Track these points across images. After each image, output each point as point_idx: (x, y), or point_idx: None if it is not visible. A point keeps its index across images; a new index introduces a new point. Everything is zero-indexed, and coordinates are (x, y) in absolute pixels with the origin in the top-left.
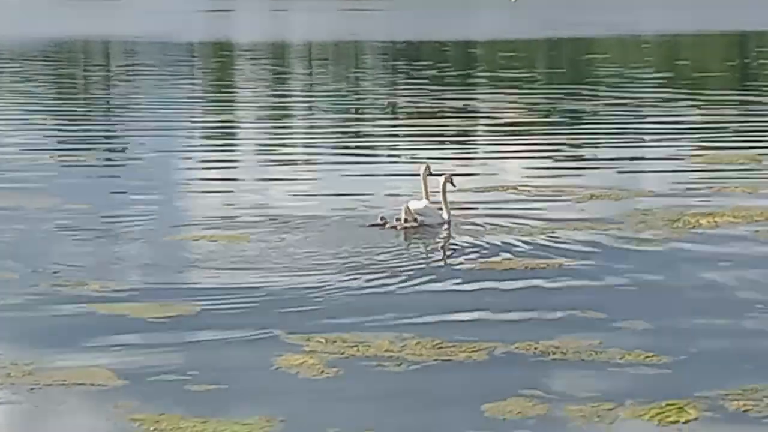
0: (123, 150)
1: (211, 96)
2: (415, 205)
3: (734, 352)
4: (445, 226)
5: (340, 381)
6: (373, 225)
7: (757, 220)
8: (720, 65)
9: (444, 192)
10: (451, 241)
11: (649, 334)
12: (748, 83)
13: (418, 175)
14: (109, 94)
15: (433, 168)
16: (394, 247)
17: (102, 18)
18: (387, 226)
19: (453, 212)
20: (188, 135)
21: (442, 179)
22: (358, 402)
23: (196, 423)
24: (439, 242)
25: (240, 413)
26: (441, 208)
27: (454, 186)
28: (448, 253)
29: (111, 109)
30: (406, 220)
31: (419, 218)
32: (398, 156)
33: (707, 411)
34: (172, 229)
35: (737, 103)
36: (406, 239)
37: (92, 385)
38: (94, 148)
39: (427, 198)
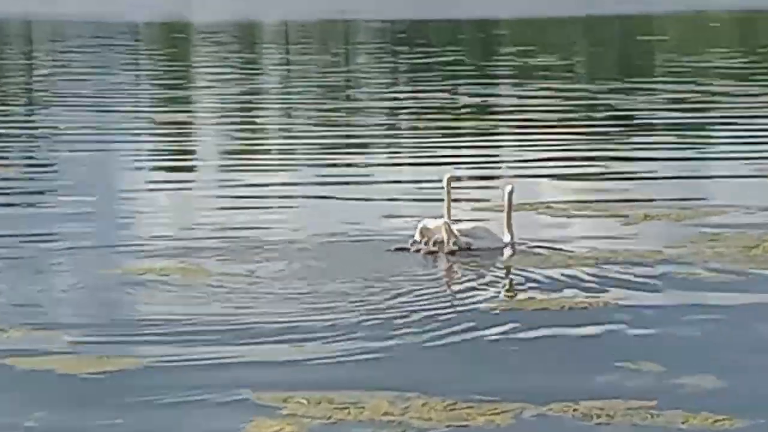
0: (49, 158)
1: (161, 90)
2: (464, 225)
3: None
4: (507, 251)
5: None
6: (400, 249)
7: None
8: None
9: (509, 207)
10: (480, 271)
11: (720, 392)
12: None
13: (440, 186)
14: (30, 88)
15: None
16: (399, 279)
17: None
18: (411, 250)
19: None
20: (133, 139)
21: (507, 190)
22: None
23: None
24: (466, 273)
25: None
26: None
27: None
28: (470, 287)
29: (33, 108)
30: (431, 243)
31: (465, 240)
32: (400, 165)
33: None
34: (113, 260)
35: None
36: (435, 268)
37: None
38: (10, 157)
39: (449, 215)
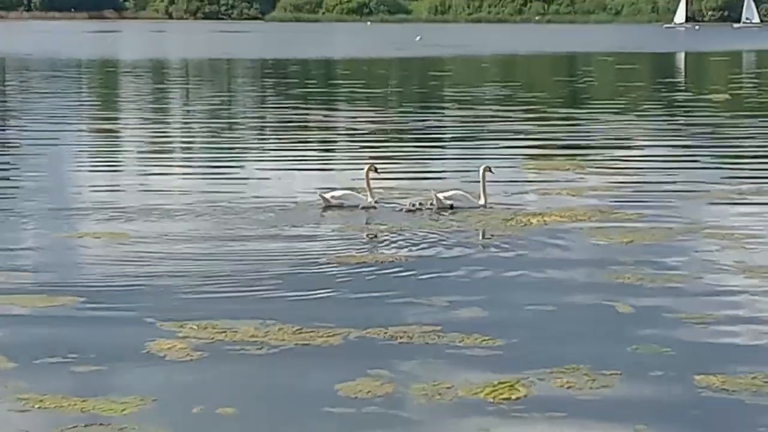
0: (16, 156)
1: (96, 108)
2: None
3: (557, 336)
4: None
5: (205, 363)
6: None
7: (580, 219)
8: (550, 83)
9: (484, 181)
10: (342, 230)
11: (485, 320)
12: (574, 98)
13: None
14: (4, 106)
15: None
16: (270, 236)
17: None
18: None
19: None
20: (76, 141)
21: (481, 169)
22: (221, 383)
23: (76, 401)
24: (331, 231)
25: (116, 393)
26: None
27: (492, 173)
28: (331, 243)
29: (6, 119)
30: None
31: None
32: (265, 160)
33: (535, 388)
34: (61, 229)
35: (564, 116)
36: (308, 228)
37: None
38: None
39: (372, 197)
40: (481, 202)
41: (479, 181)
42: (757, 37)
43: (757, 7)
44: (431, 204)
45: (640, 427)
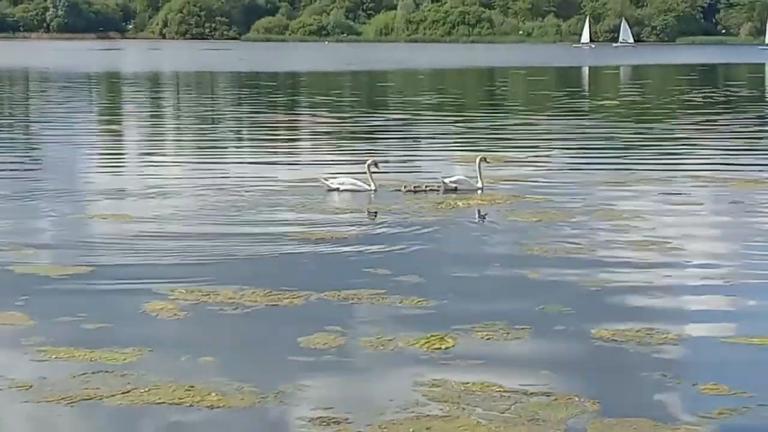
0: (36, 154)
1: (103, 113)
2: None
3: (479, 298)
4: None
5: (191, 321)
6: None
7: (498, 202)
8: (474, 91)
9: (480, 169)
10: (342, 210)
11: (421, 285)
12: (495, 103)
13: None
14: (27, 110)
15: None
16: (248, 216)
17: (19, 53)
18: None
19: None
20: (86, 138)
21: (478, 159)
22: (204, 336)
23: (86, 353)
24: (313, 214)
25: (118, 345)
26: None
27: (488, 162)
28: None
29: (29, 120)
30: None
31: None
32: (241, 153)
33: (461, 340)
34: (74, 211)
35: (486, 118)
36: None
37: (11, 325)
38: (16, 150)
39: (374, 184)
40: (479, 185)
41: (476, 169)
42: (633, 54)
43: (630, 30)
44: (438, 186)
45: (545, 372)
